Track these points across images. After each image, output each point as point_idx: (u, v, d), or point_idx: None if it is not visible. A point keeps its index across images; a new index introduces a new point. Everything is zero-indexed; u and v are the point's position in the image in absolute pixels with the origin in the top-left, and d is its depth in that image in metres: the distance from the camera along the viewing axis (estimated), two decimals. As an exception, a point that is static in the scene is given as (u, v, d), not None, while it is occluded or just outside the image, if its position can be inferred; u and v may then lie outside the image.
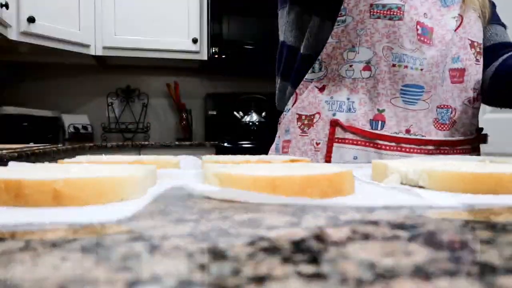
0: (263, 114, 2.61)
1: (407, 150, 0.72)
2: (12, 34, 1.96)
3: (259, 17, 2.44)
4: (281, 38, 0.86)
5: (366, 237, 0.20)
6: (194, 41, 2.42)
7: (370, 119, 0.73)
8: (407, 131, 0.72)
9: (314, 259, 0.17)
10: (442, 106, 0.74)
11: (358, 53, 0.72)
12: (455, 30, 0.74)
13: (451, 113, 0.74)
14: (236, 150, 2.15)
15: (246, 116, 2.58)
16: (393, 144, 0.72)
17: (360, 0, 0.71)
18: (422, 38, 0.71)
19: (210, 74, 2.82)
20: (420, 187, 0.36)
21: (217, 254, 0.17)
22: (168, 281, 0.14)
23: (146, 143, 2.21)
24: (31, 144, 1.73)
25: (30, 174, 0.29)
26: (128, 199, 0.28)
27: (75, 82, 2.66)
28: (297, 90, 0.80)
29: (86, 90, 2.68)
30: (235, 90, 2.81)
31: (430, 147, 0.72)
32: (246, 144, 2.25)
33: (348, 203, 0.28)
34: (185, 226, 0.22)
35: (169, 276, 0.14)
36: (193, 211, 0.26)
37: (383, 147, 0.72)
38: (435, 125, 0.74)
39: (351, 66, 0.73)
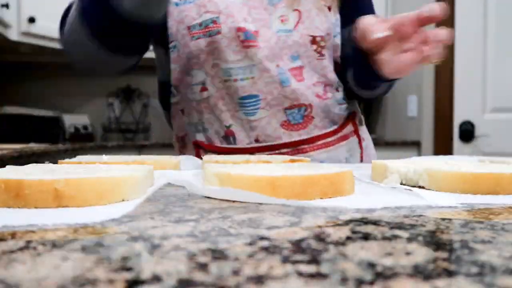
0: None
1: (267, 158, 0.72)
2: (13, 34, 1.96)
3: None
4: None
5: (366, 237, 0.20)
6: (194, 41, 2.42)
7: (223, 136, 0.74)
8: (256, 141, 0.72)
9: (314, 259, 0.17)
10: (291, 106, 0.71)
11: (193, 76, 0.72)
12: (294, 27, 0.71)
13: (306, 110, 0.72)
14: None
15: (246, 116, 2.58)
16: (246, 155, 0.73)
17: (179, 23, 0.71)
18: (247, 43, 0.69)
19: (210, 74, 2.82)
20: (420, 187, 0.36)
21: (217, 254, 0.17)
22: (168, 281, 0.14)
23: (147, 143, 2.21)
24: (31, 144, 1.73)
25: (30, 174, 0.29)
26: (129, 199, 0.28)
27: (75, 82, 2.66)
28: (171, 113, 0.81)
29: (86, 90, 2.68)
30: (235, 90, 2.81)
31: (285, 150, 0.72)
32: (246, 144, 2.25)
33: (348, 203, 0.28)
34: (185, 226, 0.22)
35: (169, 276, 0.14)
36: (193, 211, 0.26)
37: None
38: (286, 128, 0.72)
39: (192, 89, 0.73)
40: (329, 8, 0.73)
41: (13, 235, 0.20)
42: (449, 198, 0.30)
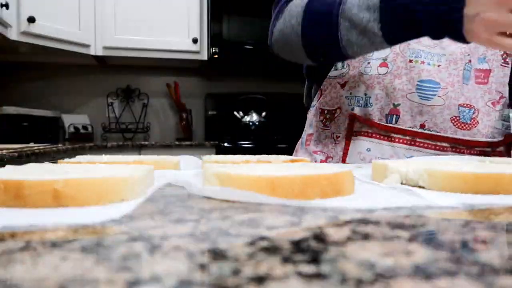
0: (263, 114, 2.61)
1: (421, 145, 0.72)
2: (12, 34, 1.96)
3: (259, 17, 2.44)
4: None
5: (366, 237, 0.20)
6: (194, 41, 2.42)
7: (386, 114, 0.74)
8: (422, 126, 0.73)
9: (314, 259, 0.17)
10: (464, 105, 0.73)
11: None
12: None
13: (473, 113, 0.74)
14: (236, 150, 2.15)
15: (246, 116, 2.58)
16: (407, 137, 0.73)
17: None
18: None
19: (210, 74, 2.82)
20: (420, 187, 0.36)
21: (217, 254, 0.17)
22: (168, 281, 0.14)
23: (146, 143, 2.21)
24: (31, 144, 1.73)
25: (30, 174, 0.29)
26: (128, 199, 0.28)
27: (75, 82, 2.65)
28: (322, 87, 0.83)
29: (86, 90, 2.68)
30: (235, 90, 2.81)
31: (445, 144, 0.72)
32: (246, 144, 2.25)
33: (348, 204, 0.28)
34: (185, 226, 0.22)
35: (169, 276, 0.14)
36: (193, 211, 0.26)
37: (397, 140, 0.73)
38: (454, 123, 0.73)
39: (369, 63, 0.75)
40: None
41: (13, 235, 0.20)
42: (450, 198, 0.30)
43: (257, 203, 0.28)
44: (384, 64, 0.74)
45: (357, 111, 0.77)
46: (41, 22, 2.04)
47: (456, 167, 0.37)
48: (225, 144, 2.20)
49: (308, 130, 0.87)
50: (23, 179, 0.26)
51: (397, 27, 0.58)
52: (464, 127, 0.74)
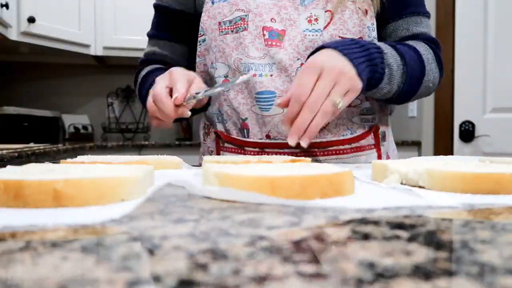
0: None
1: (270, 154, 0.73)
2: (12, 34, 1.96)
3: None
4: None
5: (366, 237, 0.20)
6: (194, 41, 2.42)
7: (240, 128, 0.77)
8: (267, 137, 0.74)
9: (314, 259, 0.17)
10: None
11: (216, 69, 0.76)
12: (324, 28, 0.71)
13: None
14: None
15: (246, 116, 2.58)
16: (257, 149, 0.75)
17: (211, 19, 0.75)
18: (270, 42, 0.71)
19: (210, 74, 2.82)
20: (421, 187, 0.36)
21: (217, 254, 0.17)
22: (168, 281, 0.14)
23: (146, 143, 2.21)
24: (31, 144, 1.73)
25: (30, 174, 0.29)
26: (128, 199, 0.28)
27: (75, 82, 2.66)
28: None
29: (86, 90, 2.68)
30: (235, 90, 2.81)
31: (294, 150, 0.72)
32: (246, 144, 2.25)
33: (348, 203, 0.28)
34: (185, 226, 0.22)
35: (169, 276, 0.14)
36: (193, 211, 0.26)
37: (249, 152, 0.75)
38: None
39: (215, 81, 0.78)
40: (366, 12, 0.73)
41: (13, 235, 0.20)
42: (449, 198, 0.30)
43: (257, 203, 0.28)
44: (226, 80, 0.75)
45: (219, 127, 0.80)
46: (41, 22, 2.04)
47: (456, 167, 0.37)
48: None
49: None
50: (23, 179, 0.26)
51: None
52: None
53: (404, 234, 0.21)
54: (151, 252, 0.17)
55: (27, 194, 0.26)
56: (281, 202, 0.28)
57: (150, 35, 0.89)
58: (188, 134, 2.66)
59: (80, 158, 0.50)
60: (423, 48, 0.73)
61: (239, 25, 0.72)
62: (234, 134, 0.77)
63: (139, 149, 2.17)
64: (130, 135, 2.70)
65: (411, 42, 0.75)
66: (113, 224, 0.22)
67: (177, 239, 0.19)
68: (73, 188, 0.26)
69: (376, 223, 0.23)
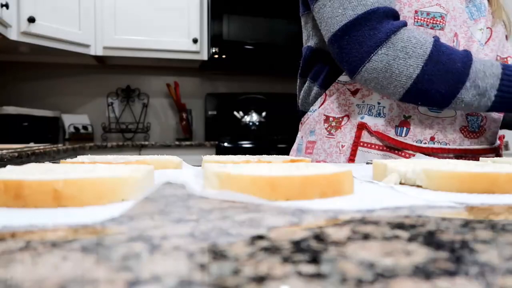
0: (263, 114, 2.61)
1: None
2: (12, 34, 1.96)
3: (259, 17, 2.44)
4: (308, 43, 0.85)
5: (366, 237, 0.20)
6: (194, 41, 2.42)
7: (396, 125, 0.73)
8: (432, 139, 0.72)
9: (314, 259, 0.17)
10: (472, 113, 0.73)
11: None
12: (485, 43, 0.74)
13: (481, 121, 0.74)
14: (236, 150, 2.15)
15: (246, 116, 2.58)
16: (415, 153, 0.72)
17: (405, 5, 0.70)
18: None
19: (210, 74, 2.82)
20: (418, 186, 0.36)
21: (217, 254, 0.17)
22: (168, 281, 0.14)
23: (146, 143, 2.21)
24: (31, 144, 1.73)
25: (30, 174, 0.29)
26: (128, 199, 0.28)
27: (75, 82, 2.66)
28: (326, 92, 0.79)
29: (86, 90, 2.68)
30: (235, 90, 2.81)
31: (451, 155, 0.72)
32: (246, 144, 2.25)
33: (347, 204, 0.28)
34: (185, 226, 0.22)
35: (169, 276, 0.14)
36: (193, 211, 0.26)
37: (406, 155, 0.72)
38: (463, 133, 0.73)
39: None
40: (506, 37, 0.78)
41: (13, 235, 0.20)
42: (446, 197, 0.30)
43: (257, 203, 0.28)
44: None
45: (367, 120, 0.74)
46: (41, 22, 2.04)
47: (452, 166, 0.37)
48: (225, 144, 2.20)
49: (308, 136, 0.83)
50: (23, 179, 0.26)
51: (508, 98, 0.62)
52: (472, 136, 0.74)
53: (404, 234, 0.21)
54: (151, 252, 0.17)
55: (27, 194, 0.26)
56: (281, 204, 0.28)
57: None
58: (188, 134, 2.66)
59: (80, 158, 0.50)
60: None
61: (437, 22, 0.69)
62: (386, 130, 0.73)
63: (139, 149, 2.17)
64: (130, 135, 2.70)
65: None
66: (113, 224, 0.22)
67: (177, 239, 0.19)
68: (73, 188, 0.26)
69: (376, 223, 0.23)
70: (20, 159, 1.11)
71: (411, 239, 0.20)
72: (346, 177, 0.33)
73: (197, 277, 0.14)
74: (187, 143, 2.25)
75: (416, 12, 0.70)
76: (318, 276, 0.15)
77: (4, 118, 2.04)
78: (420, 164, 0.40)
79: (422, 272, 0.15)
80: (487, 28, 0.75)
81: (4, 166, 0.36)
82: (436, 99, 0.64)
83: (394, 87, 0.66)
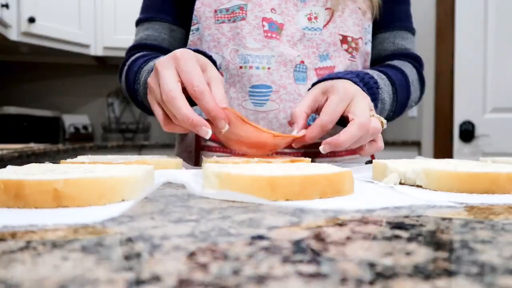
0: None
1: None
2: (12, 34, 1.96)
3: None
4: None
5: (366, 237, 0.20)
6: (194, 41, 2.42)
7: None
8: None
9: (314, 259, 0.17)
10: None
11: None
12: (324, 26, 0.70)
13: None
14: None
15: (246, 116, 2.58)
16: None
17: (206, 6, 0.71)
18: (270, 34, 0.68)
19: (210, 74, 2.82)
20: (418, 186, 0.36)
21: (217, 254, 0.17)
22: (168, 281, 0.14)
23: (146, 143, 2.21)
24: (31, 144, 1.73)
25: (30, 174, 0.29)
26: (128, 199, 0.28)
27: (75, 82, 2.66)
28: None
29: (86, 90, 2.68)
30: (235, 90, 2.81)
31: (286, 150, 0.70)
32: (246, 144, 2.25)
33: (347, 203, 0.28)
34: (185, 226, 0.22)
35: (169, 276, 0.14)
36: (193, 211, 0.26)
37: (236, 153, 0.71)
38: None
39: None
40: (364, 13, 0.73)
41: (13, 235, 0.20)
42: (445, 197, 0.30)
43: (257, 203, 0.28)
44: (220, 72, 0.71)
45: None
46: (41, 22, 2.04)
47: (452, 166, 0.37)
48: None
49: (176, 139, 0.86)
50: (23, 179, 0.26)
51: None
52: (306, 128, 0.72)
53: (404, 234, 0.21)
54: (151, 252, 0.17)
55: (27, 194, 0.26)
56: (281, 204, 0.28)
57: (142, 19, 0.80)
58: (188, 134, 2.66)
59: (80, 158, 0.50)
60: (409, 69, 0.74)
61: (236, 14, 0.69)
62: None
63: (139, 149, 2.17)
64: (130, 135, 2.70)
65: (398, 63, 0.75)
66: (113, 224, 0.22)
67: (177, 239, 0.19)
68: (73, 188, 0.26)
69: (376, 223, 0.23)
70: (20, 159, 1.11)
71: (411, 239, 0.20)
72: (346, 177, 0.33)
73: (197, 277, 0.14)
74: (187, 143, 2.25)
75: (215, 11, 0.70)
76: (318, 276, 0.15)
77: (4, 118, 2.04)
78: (420, 164, 0.40)
79: (422, 272, 0.15)
80: (326, 9, 0.71)
81: (4, 166, 0.36)
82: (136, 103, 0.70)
83: (129, 98, 0.74)
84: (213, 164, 0.40)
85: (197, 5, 0.72)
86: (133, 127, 2.71)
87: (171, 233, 0.20)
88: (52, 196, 0.26)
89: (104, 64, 2.66)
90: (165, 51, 0.75)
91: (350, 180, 0.33)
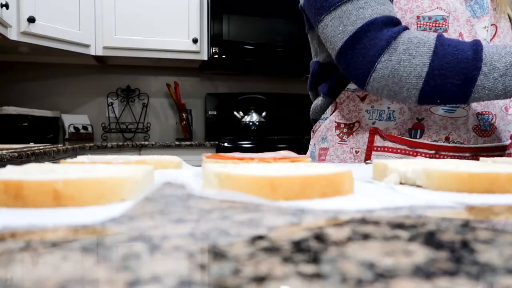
0: (263, 114, 2.61)
1: (445, 157, 0.72)
2: (12, 34, 1.96)
3: (259, 17, 2.44)
4: (316, 58, 0.87)
5: (366, 237, 0.20)
6: (194, 41, 2.42)
7: (409, 128, 0.74)
8: (447, 139, 0.73)
9: (314, 259, 0.17)
10: (483, 112, 0.74)
11: None
12: (490, 40, 0.74)
13: (492, 119, 0.74)
14: (236, 150, 2.15)
15: (246, 116, 2.58)
16: (432, 152, 0.72)
17: (406, 12, 0.71)
18: None
19: (210, 74, 2.82)
20: (418, 186, 0.36)
21: (217, 254, 0.17)
22: (168, 281, 0.14)
23: (146, 143, 2.21)
24: (31, 144, 1.73)
25: (30, 174, 0.29)
26: (128, 199, 0.28)
27: (75, 82, 2.66)
28: (337, 100, 0.81)
29: (86, 90, 2.68)
30: (235, 90, 2.81)
31: (468, 154, 0.73)
32: (246, 144, 2.25)
33: (347, 204, 0.28)
34: (185, 226, 0.22)
35: (169, 276, 0.14)
36: (193, 211, 0.26)
37: (422, 154, 0.72)
38: (476, 132, 0.73)
39: None
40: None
41: (13, 235, 0.20)
42: (445, 197, 0.30)
43: (257, 203, 0.28)
44: None
45: (378, 125, 0.75)
46: (41, 22, 2.04)
47: (452, 166, 0.37)
48: (225, 144, 2.20)
49: (321, 143, 0.85)
50: (23, 179, 0.26)
51: None
52: (485, 134, 0.74)
53: (404, 234, 0.21)
54: (151, 252, 0.17)
55: (27, 194, 0.26)
56: (281, 204, 0.28)
57: None
58: (188, 134, 2.66)
59: (80, 158, 0.50)
60: None
61: (439, 25, 0.70)
62: (399, 133, 0.74)
63: (139, 149, 2.17)
64: (130, 135, 2.70)
65: None
66: (113, 224, 0.22)
67: (177, 239, 0.19)
68: (73, 188, 0.26)
69: (376, 223, 0.23)
70: (20, 159, 1.11)
71: (411, 239, 0.20)
72: (346, 177, 0.33)
73: (197, 277, 0.14)
74: (187, 143, 2.25)
75: (418, 17, 0.71)
76: (318, 276, 0.15)
77: (4, 118, 2.04)
78: (420, 164, 0.40)
79: (422, 272, 0.15)
80: (491, 25, 0.75)
81: (4, 166, 0.36)
82: (454, 92, 0.63)
83: (407, 90, 0.65)
84: (213, 164, 0.40)
85: (395, 9, 0.71)
86: (133, 127, 2.71)
87: (171, 233, 0.20)
88: (52, 196, 0.26)
89: (104, 64, 2.66)
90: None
91: (350, 180, 0.33)
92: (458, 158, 0.72)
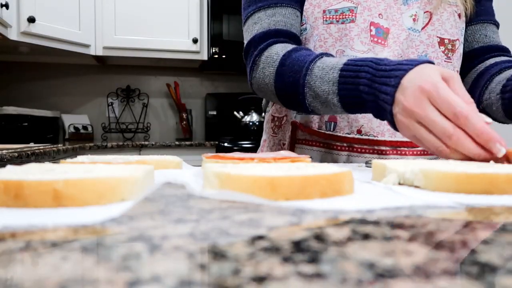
0: (263, 114, 2.61)
1: (359, 150, 0.73)
2: (12, 34, 1.96)
3: (259, 17, 2.43)
4: None
5: (366, 237, 0.20)
6: (194, 41, 2.42)
7: (325, 121, 0.75)
8: (358, 132, 0.73)
9: (314, 259, 0.17)
10: None
11: None
12: (422, 28, 0.73)
13: None
14: (236, 150, 2.15)
15: (246, 116, 2.58)
16: (344, 144, 0.73)
17: (315, 7, 0.73)
18: (375, 39, 0.71)
19: (210, 74, 2.82)
20: (416, 187, 0.36)
21: (217, 254, 0.17)
22: (168, 281, 0.14)
23: (146, 143, 2.21)
24: (31, 144, 1.73)
25: (30, 174, 0.29)
26: (128, 199, 0.28)
27: (75, 82, 2.66)
28: None
29: (86, 90, 2.68)
30: (235, 90, 2.81)
31: (384, 148, 0.72)
32: (246, 144, 2.25)
33: (347, 204, 0.28)
34: (185, 226, 0.22)
35: (169, 276, 0.14)
36: (193, 211, 0.26)
37: (335, 147, 0.74)
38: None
39: None
40: (459, 16, 0.76)
41: (13, 235, 0.20)
42: (442, 198, 0.30)
43: (257, 203, 0.28)
44: None
45: (298, 118, 0.78)
46: (41, 22, 2.04)
47: (451, 167, 0.37)
48: (225, 144, 2.20)
49: (263, 135, 0.89)
50: (23, 179, 0.26)
51: (350, 102, 0.58)
52: None
53: (404, 234, 0.21)
54: (151, 252, 0.17)
55: (27, 194, 0.26)
56: (281, 204, 0.28)
57: (265, 4, 0.73)
58: (188, 134, 2.66)
59: (80, 158, 0.50)
60: None
61: (346, 16, 0.71)
62: (315, 126, 0.76)
63: (139, 149, 2.17)
64: (130, 135, 2.70)
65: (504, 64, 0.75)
66: (113, 224, 0.22)
67: (177, 239, 0.19)
68: (73, 188, 0.26)
69: (376, 223, 0.23)
70: (20, 159, 1.11)
71: (411, 239, 0.20)
72: (346, 177, 0.33)
73: (197, 277, 0.14)
74: (187, 143, 2.25)
75: (324, 11, 0.72)
76: (318, 276, 0.15)
77: (4, 118, 2.04)
78: (419, 164, 0.40)
79: (422, 272, 0.15)
80: (425, 12, 0.73)
81: (4, 166, 0.36)
82: (301, 109, 0.65)
83: (270, 96, 0.70)
84: (213, 164, 0.40)
85: (306, 5, 0.74)
86: (133, 127, 2.71)
87: (171, 233, 0.20)
88: (52, 196, 0.26)
89: (104, 64, 2.66)
90: (296, 38, 0.73)
91: (350, 180, 0.33)
92: (376, 153, 0.72)
